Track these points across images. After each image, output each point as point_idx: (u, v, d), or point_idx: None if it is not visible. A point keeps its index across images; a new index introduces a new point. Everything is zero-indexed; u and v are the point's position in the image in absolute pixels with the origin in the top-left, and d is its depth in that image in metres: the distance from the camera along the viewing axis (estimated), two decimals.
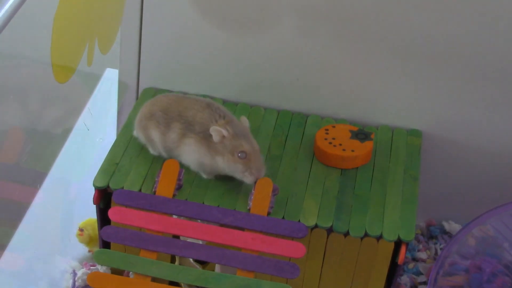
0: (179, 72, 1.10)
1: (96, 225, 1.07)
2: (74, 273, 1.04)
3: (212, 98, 1.10)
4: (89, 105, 1.16)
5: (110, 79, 1.23)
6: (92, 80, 1.18)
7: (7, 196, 0.97)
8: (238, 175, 0.94)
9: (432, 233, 1.14)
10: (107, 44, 1.02)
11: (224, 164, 0.94)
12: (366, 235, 0.92)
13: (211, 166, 0.96)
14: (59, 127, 1.09)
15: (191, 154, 0.96)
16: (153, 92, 1.11)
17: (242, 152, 0.93)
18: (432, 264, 1.10)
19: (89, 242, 1.08)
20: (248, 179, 0.93)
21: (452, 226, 1.14)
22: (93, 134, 1.18)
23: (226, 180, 0.97)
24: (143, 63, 1.12)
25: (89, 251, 1.09)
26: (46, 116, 1.05)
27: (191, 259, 1.02)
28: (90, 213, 1.05)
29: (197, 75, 1.11)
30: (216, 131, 0.93)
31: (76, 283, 1.03)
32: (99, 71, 1.22)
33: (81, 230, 1.08)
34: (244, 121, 0.96)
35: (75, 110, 1.13)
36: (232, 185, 0.97)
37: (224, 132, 0.93)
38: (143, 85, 1.13)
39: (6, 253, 0.94)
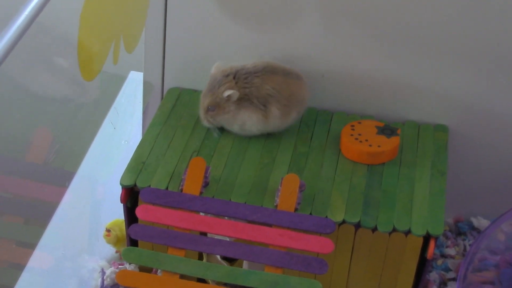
0: (204, 71, 1.10)
1: (123, 226, 1.08)
2: (103, 272, 1.04)
3: None
4: (115, 105, 1.16)
5: (134, 81, 1.24)
6: (118, 81, 1.19)
7: (37, 195, 0.97)
8: None
9: (460, 230, 1.13)
10: (132, 43, 1.03)
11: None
12: (394, 230, 0.91)
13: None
14: (86, 127, 1.10)
15: None
16: (178, 91, 1.11)
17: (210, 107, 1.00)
18: (461, 260, 1.09)
19: (116, 242, 1.09)
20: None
21: (481, 222, 1.13)
22: (119, 134, 1.19)
23: (252, 177, 0.97)
24: (167, 63, 1.13)
25: (116, 252, 1.10)
26: (73, 116, 1.05)
27: (218, 257, 1.02)
28: (117, 214, 1.06)
29: None
30: (215, 65, 1.02)
31: (105, 282, 1.03)
32: (124, 73, 1.22)
33: (108, 231, 1.08)
34: (228, 92, 0.99)
35: (102, 110, 1.13)
36: (259, 182, 0.97)
37: (213, 69, 1.01)
38: (168, 85, 1.14)
39: (36, 252, 0.94)
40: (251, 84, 0.99)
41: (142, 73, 1.17)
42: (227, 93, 0.99)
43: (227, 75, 1.00)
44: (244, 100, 1.00)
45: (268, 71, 1.00)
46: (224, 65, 1.02)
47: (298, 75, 1.03)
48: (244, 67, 1.01)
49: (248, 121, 1.01)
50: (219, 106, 1.00)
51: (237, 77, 1.00)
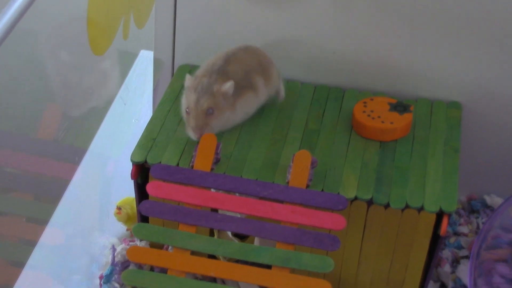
0: (214, 48, 1.09)
1: (133, 204, 1.07)
2: (114, 249, 1.04)
3: None
4: (126, 83, 1.16)
5: (145, 59, 1.23)
6: (129, 58, 1.18)
7: (47, 172, 0.97)
8: None
9: (473, 207, 1.12)
10: (142, 19, 1.02)
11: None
12: (407, 206, 0.91)
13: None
14: (97, 104, 1.09)
15: None
16: (188, 68, 1.11)
17: (188, 108, 0.96)
18: (474, 238, 1.08)
19: (127, 220, 1.09)
20: (188, 133, 0.97)
21: (494, 200, 1.12)
22: (130, 112, 1.18)
23: (264, 153, 0.97)
24: (178, 40, 1.12)
25: (127, 230, 1.10)
26: (84, 93, 1.05)
27: (229, 234, 1.01)
28: (127, 191, 1.05)
29: None
30: (186, 78, 0.97)
31: (116, 259, 1.03)
32: (135, 51, 1.22)
33: (119, 208, 1.08)
34: (226, 85, 0.96)
35: (113, 87, 1.13)
36: (270, 159, 0.96)
37: (187, 81, 0.97)
38: (178, 62, 1.13)
39: (48, 228, 0.94)
40: (230, 73, 0.98)
41: (152, 52, 1.16)
42: (227, 85, 0.96)
43: (210, 75, 0.97)
44: (235, 89, 0.98)
45: (231, 56, 0.99)
46: (193, 73, 1.00)
47: (248, 45, 1.03)
48: (214, 64, 0.99)
49: (246, 105, 0.99)
50: (218, 106, 0.96)
51: (220, 72, 0.98)
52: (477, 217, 1.11)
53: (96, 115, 1.09)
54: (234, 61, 0.99)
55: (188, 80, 0.98)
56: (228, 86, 0.96)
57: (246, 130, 1.01)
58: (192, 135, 0.96)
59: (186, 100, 0.97)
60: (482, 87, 1.05)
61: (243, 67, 0.99)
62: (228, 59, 0.99)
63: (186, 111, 0.96)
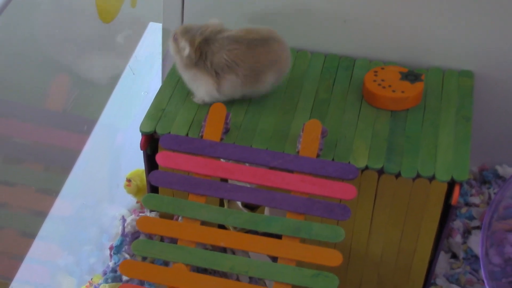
0: (223, 17, 1.08)
1: (143, 176, 1.07)
2: (123, 220, 1.04)
3: None
4: (135, 54, 1.15)
5: (153, 31, 1.23)
6: (138, 28, 1.18)
7: (58, 143, 0.97)
8: None
9: (485, 178, 1.11)
10: None
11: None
12: (418, 176, 0.90)
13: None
14: (106, 74, 1.09)
15: None
16: None
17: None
18: (485, 209, 1.07)
19: (137, 192, 1.08)
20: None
21: (506, 170, 1.11)
22: (139, 83, 1.18)
23: (274, 123, 0.96)
24: (186, 10, 1.11)
25: (137, 202, 1.10)
26: (93, 64, 1.04)
27: (239, 204, 1.01)
28: (137, 163, 1.05)
29: (242, 21, 1.09)
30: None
31: (126, 229, 1.03)
32: (143, 21, 1.21)
33: (128, 180, 1.08)
34: (184, 47, 0.96)
35: (122, 58, 1.12)
36: (281, 128, 0.95)
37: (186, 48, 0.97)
38: None
39: (58, 199, 0.94)
40: (209, 48, 0.96)
41: (161, 24, 1.15)
42: (186, 50, 0.96)
43: (195, 32, 0.96)
44: (199, 60, 0.96)
45: (231, 40, 0.96)
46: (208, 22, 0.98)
47: (266, 40, 0.97)
48: (213, 29, 0.96)
49: (200, 86, 0.97)
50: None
51: (202, 35, 0.96)
52: (488, 188, 1.11)
53: (106, 86, 1.09)
54: (226, 44, 0.95)
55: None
56: (184, 47, 0.96)
57: (255, 100, 1.00)
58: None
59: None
60: (494, 56, 1.04)
61: (224, 57, 0.95)
62: (226, 38, 0.95)
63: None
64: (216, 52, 0.95)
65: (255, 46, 0.96)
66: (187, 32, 0.96)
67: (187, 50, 0.94)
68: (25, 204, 0.93)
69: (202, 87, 0.97)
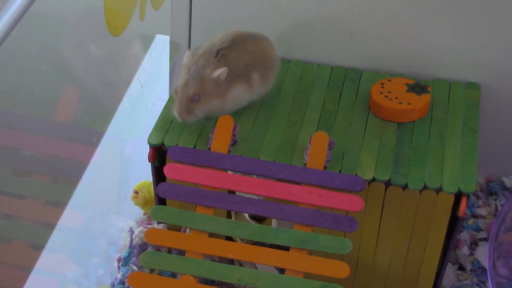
0: (231, 29, 1.09)
1: (151, 188, 1.08)
2: (131, 231, 1.04)
3: None
4: (142, 66, 1.16)
5: (161, 44, 1.23)
6: (145, 41, 1.18)
7: (67, 155, 0.97)
8: None
9: (491, 190, 1.12)
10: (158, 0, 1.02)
11: None
12: (425, 187, 0.90)
13: None
14: (114, 86, 1.10)
15: None
16: None
17: (177, 87, 0.94)
18: (492, 220, 1.08)
19: (144, 204, 1.09)
20: (175, 114, 0.94)
21: None
22: (147, 95, 1.18)
23: (281, 135, 0.96)
24: (194, 23, 1.11)
25: (144, 214, 1.10)
26: (101, 76, 1.05)
27: (247, 217, 1.01)
28: (145, 175, 1.05)
29: None
30: (186, 55, 0.95)
31: (134, 241, 1.03)
32: (151, 34, 1.22)
33: (136, 192, 1.08)
34: (219, 71, 0.92)
35: (130, 70, 1.13)
36: (288, 140, 0.96)
37: (185, 59, 0.94)
38: (194, 45, 1.13)
39: (66, 211, 0.95)
40: (230, 59, 0.94)
41: (168, 36, 1.16)
42: (219, 71, 0.92)
43: (209, 57, 0.94)
44: (228, 76, 0.94)
45: (238, 41, 0.96)
46: (194, 51, 0.97)
47: (263, 36, 0.99)
48: (215, 45, 0.95)
49: (238, 96, 0.96)
50: (205, 92, 0.92)
51: (220, 56, 0.94)
52: (495, 199, 1.11)
53: (114, 98, 1.09)
54: (240, 48, 0.95)
55: (186, 57, 0.95)
56: (220, 72, 0.92)
57: (263, 112, 1.00)
58: (176, 116, 0.94)
59: (180, 79, 0.94)
60: (501, 68, 1.04)
61: (246, 57, 0.95)
62: (234, 44, 0.95)
63: (175, 90, 0.94)
64: (238, 57, 0.95)
65: (259, 40, 0.98)
66: (200, 72, 0.93)
67: (221, 71, 0.92)
68: (33, 216, 0.93)
69: (241, 97, 0.97)
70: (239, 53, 0.95)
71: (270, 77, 0.99)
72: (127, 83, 1.14)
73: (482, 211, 1.09)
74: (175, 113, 0.94)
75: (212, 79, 0.92)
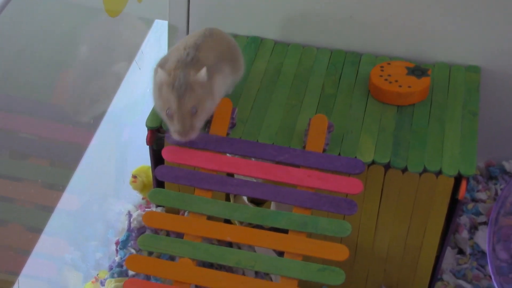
0: (229, 13, 1.08)
1: (149, 172, 1.07)
2: (130, 215, 1.04)
3: (263, 39, 1.08)
4: (141, 50, 1.15)
5: (159, 29, 1.22)
6: (144, 25, 1.17)
7: (65, 138, 0.97)
8: None
9: (491, 174, 1.11)
10: None
11: (161, 113, 0.90)
12: (425, 170, 0.90)
13: (156, 105, 0.91)
14: (112, 70, 1.09)
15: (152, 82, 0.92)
16: None
17: (169, 109, 0.87)
18: (492, 204, 1.07)
19: (142, 188, 1.08)
20: (173, 137, 0.88)
21: None
22: (145, 79, 1.18)
23: (280, 118, 0.96)
24: (192, 6, 1.11)
25: (143, 198, 1.09)
26: (99, 59, 1.04)
27: (246, 200, 1.01)
28: (143, 159, 1.05)
29: (247, 16, 1.09)
30: (158, 74, 0.88)
31: (132, 225, 1.03)
32: (149, 17, 1.21)
33: (134, 177, 1.08)
34: (201, 73, 0.88)
35: (128, 54, 1.12)
36: (287, 123, 0.95)
37: (163, 77, 0.87)
38: (193, 28, 1.12)
39: (65, 194, 0.94)
40: (202, 59, 0.91)
41: (167, 21, 1.15)
42: (201, 73, 0.88)
43: (184, 66, 0.89)
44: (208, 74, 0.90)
45: (201, 43, 0.92)
46: (165, 67, 0.90)
47: (215, 30, 0.97)
48: (181, 55, 0.90)
49: (220, 88, 0.93)
50: (199, 99, 0.88)
51: (193, 61, 0.90)
52: (495, 184, 1.10)
53: (112, 82, 1.09)
54: (205, 48, 0.92)
55: (162, 74, 0.88)
56: (203, 73, 0.88)
57: (261, 95, 1.00)
58: (178, 138, 0.88)
59: (163, 99, 0.88)
60: (502, 51, 1.03)
61: (213, 54, 0.92)
62: (198, 47, 0.92)
63: (167, 113, 0.87)
64: (206, 56, 0.92)
65: (215, 36, 0.95)
66: (187, 85, 0.88)
67: (202, 71, 0.88)
68: (31, 199, 0.93)
69: (224, 87, 0.94)
70: (207, 52, 0.92)
71: (237, 65, 0.97)
72: (125, 66, 1.14)
73: (482, 195, 1.08)
74: (176, 136, 0.88)
75: (199, 82, 0.88)
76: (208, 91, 0.89)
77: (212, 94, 0.90)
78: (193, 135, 0.88)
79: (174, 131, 0.88)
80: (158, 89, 0.88)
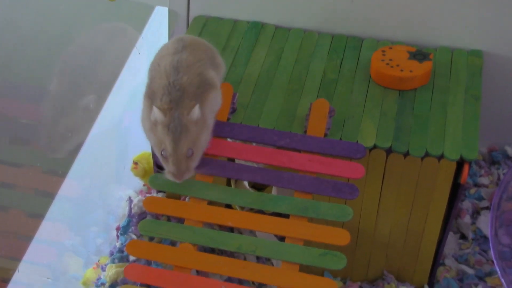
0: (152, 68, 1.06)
1: (150, 159, 1.07)
2: (130, 200, 1.03)
3: (264, 24, 1.08)
4: (142, 36, 1.15)
5: (160, 15, 1.22)
6: (144, 11, 1.17)
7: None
8: None
9: (494, 159, 1.11)
10: None
11: (155, 149, 0.87)
12: (426, 155, 0.89)
13: (148, 138, 0.88)
14: (114, 54, 1.08)
15: (141, 114, 0.89)
16: (204, 20, 1.09)
17: (164, 150, 0.84)
18: (494, 189, 1.07)
19: (144, 175, 1.08)
20: (167, 175, 0.85)
21: None
22: (146, 65, 1.17)
23: (281, 103, 0.95)
24: None
25: (144, 185, 1.09)
26: (100, 44, 1.04)
27: (247, 185, 1.01)
28: (144, 145, 1.05)
29: (248, 1, 1.08)
30: (154, 113, 0.84)
31: (132, 210, 1.03)
32: (150, 2, 1.20)
33: (135, 163, 1.07)
34: (194, 110, 0.84)
35: (128, 40, 1.12)
36: (288, 108, 0.95)
37: (159, 118, 0.84)
38: (193, 14, 1.11)
39: (65, 180, 0.94)
40: (185, 85, 0.86)
41: (167, 7, 1.14)
42: (194, 113, 0.84)
43: (176, 102, 0.84)
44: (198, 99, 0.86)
45: (178, 63, 0.87)
46: (155, 102, 0.86)
47: (183, 40, 0.92)
48: (165, 86, 0.86)
49: (214, 109, 0.89)
50: (195, 141, 0.84)
51: (180, 91, 0.85)
52: (498, 168, 1.10)
53: (113, 67, 1.08)
54: (184, 68, 0.87)
55: (157, 114, 0.84)
56: (196, 111, 0.84)
57: (262, 80, 0.99)
58: (173, 179, 0.85)
59: (158, 139, 0.84)
60: (504, 35, 1.03)
61: (194, 70, 0.88)
62: (178, 70, 0.87)
63: (162, 154, 0.84)
64: (191, 80, 0.87)
65: (192, 47, 0.91)
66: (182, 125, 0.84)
67: (195, 109, 0.84)
68: (32, 185, 0.93)
69: (212, 109, 0.90)
70: (188, 73, 0.87)
71: (218, 63, 0.93)
72: (126, 52, 1.13)
73: (484, 180, 1.08)
74: (170, 177, 0.85)
75: (193, 121, 0.84)
76: (202, 124, 0.85)
77: (206, 126, 0.87)
78: (188, 176, 0.85)
79: (168, 172, 0.85)
80: (153, 124, 0.85)
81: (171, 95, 0.85)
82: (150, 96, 0.87)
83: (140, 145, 1.07)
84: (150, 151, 1.01)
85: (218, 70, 0.92)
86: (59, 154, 0.96)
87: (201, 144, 0.86)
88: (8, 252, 0.90)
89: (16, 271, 0.89)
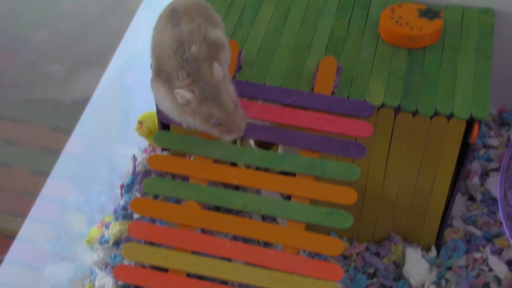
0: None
1: (155, 118, 1.06)
2: (134, 159, 1.02)
3: None
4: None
5: None
6: None
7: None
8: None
9: (504, 120, 1.09)
10: None
11: (197, 125, 0.84)
12: (436, 114, 0.88)
13: (181, 120, 0.86)
14: (117, 18, 1.07)
15: (160, 101, 0.87)
16: None
17: (215, 120, 0.83)
18: (504, 151, 1.05)
19: (148, 135, 1.07)
20: (226, 139, 0.84)
21: None
22: (150, 26, 1.16)
23: (288, 61, 0.94)
24: None
25: (149, 145, 1.08)
26: (104, 8, 1.02)
27: (252, 143, 0.99)
28: (149, 105, 1.03)
29: None
30: (180, 95, 0.82)
31: (137, 168, 1.02)
32: None
33: (140, 123, 1.06)
34: (216, 70, 0.83)
35: (132, 3, 1.10)
36: (295, 66, 0.93)
37: (189, 96, 0.82)
38: None
39: (71, 137, 0.93)
40: (194, 54, 0.84)
41: None
42: (217, 71, 0.82)
43: (196, 77, 0.82)
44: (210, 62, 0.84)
45: (181, 36, 0.85)
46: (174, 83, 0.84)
47: (175, 7, 0.89)
48: (183, 65, 0.83)
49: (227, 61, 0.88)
50: (232, 92, 0.84)
51: (194, 61, 0.83)
52: (508, 130, 1.08)
53: (117, 28, 1.07)
54: (188, 39, 0.85)
55: (185, 94, 0.81)
56: (219, 70, 0.83)
57: (268, 38, 0.97)
58: (237, 135, 0.84)
59: (201, 114, 0.82)
60: None
61: (198, 37, 0.85)
62: (182, 43, 0.84)
63: (213, 122, 0.83)
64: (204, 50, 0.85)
65: (196, 11, 0.88)
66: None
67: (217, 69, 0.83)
68: (36, 142, 0.92)
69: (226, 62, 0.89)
70: (193, 43, 0.85)
71: (215, 19, 0.90)
72: (132, 12, 1.11)
73: (494, 142, 1.06)
74: (232, 135, 0.83)
75: (220, 79, 0.83)
76: (227, 78, 0.85)
77: (229, 79, 0.86)
78: (245, 123, 0.85)
79: (228, 132, 0.83)
80: (185, 106, 0.83)
81: (187, 69, 0.83)
82: (165, 79, 0.84)
83: (145, 104, 1.06)
84: (154, 110, 1.00)
85: (219, 26, 0.90)
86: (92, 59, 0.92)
87: (235, 94, 0.85)
88: (15, 209, 0.90)
89: (22, 228, 0.88)
